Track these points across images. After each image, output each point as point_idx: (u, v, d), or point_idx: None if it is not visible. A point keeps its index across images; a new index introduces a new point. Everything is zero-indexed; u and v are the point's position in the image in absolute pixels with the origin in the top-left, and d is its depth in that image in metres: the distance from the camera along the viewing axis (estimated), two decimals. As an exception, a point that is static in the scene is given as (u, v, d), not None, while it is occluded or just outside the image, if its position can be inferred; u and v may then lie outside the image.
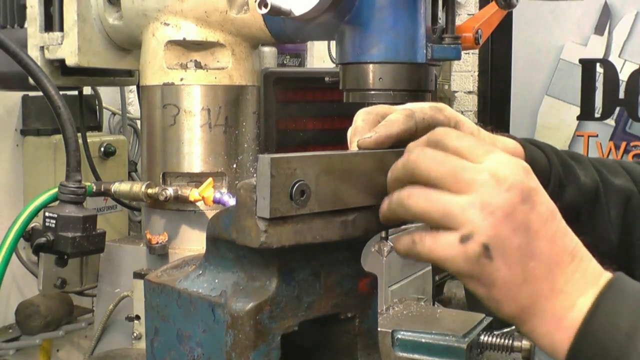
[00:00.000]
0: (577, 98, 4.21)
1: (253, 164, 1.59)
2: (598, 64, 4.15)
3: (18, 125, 2.33)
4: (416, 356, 1.34)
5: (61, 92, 1.39)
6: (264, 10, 1.25)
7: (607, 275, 0.75)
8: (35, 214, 1.46)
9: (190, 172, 1.55)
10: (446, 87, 4.45)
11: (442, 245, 0.73)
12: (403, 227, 0.87)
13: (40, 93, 1.38)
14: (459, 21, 1.53)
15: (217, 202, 1.49)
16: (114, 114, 2.67)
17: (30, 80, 1.39)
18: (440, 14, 1.47)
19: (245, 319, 0.75)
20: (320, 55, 3.13)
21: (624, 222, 1.07)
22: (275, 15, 1.30)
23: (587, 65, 4.17)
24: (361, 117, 0.89)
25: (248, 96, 1.59)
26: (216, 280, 0.82)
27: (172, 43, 1.53)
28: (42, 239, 1.37)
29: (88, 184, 1.49)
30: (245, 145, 1.59)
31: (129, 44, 1.66)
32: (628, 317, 0.71)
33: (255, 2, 1.25)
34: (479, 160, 0.74)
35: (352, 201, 0.79)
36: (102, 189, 1.56)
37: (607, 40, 4.13)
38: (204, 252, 0.85)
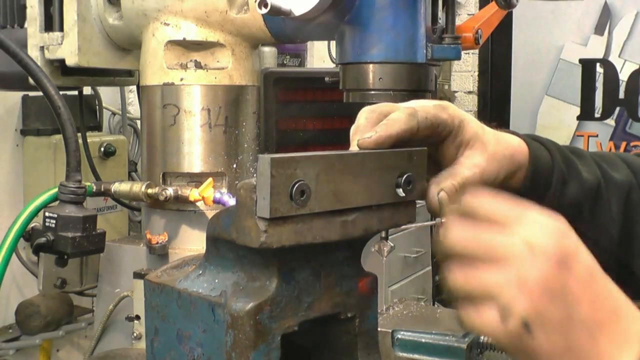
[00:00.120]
0: (577, 98, 4.22)
1: (253, 164, 1.58)
2: (598, 64, 4.15)
3: (18, 125, 2.33)
4: (416, 356, 1.34)
5: (61, 92, 1.38)
6: (264, 10, 1.25)
7: None
8: (35, 214, 1.46)
9: (190, 172, 1.55)
10: (446, 87, 4.45)
11: (485, 323, 0.72)
12: (403, 227, 0.87)
13: (40, 93, 1.38)
14: (459, 21, 1.53)
15: (217, 202, 1.49)
16: (114, 114, 2.67)
17: (30, 80, 1.39)
18: (440, 14, 1.47)
19: (245, 319, 0.75)
20: (320, 55, 3.13)
21: (624, 217, 1.07)
22: (275, 15, 1.30)
23: (587, 65, 4.17)
24: (364, 116, 0.88)
25: (248, 96, 1.59)
26: (216, 280, 0.82)
27: (172, 43, 1.53)
28: (42, 239, 1.37)
29: (88, 184, 1.49)
30: (245, 145, 1.59)
31: (129, 44, 1.66)
32: None
33: (255, 2, 1.25)
34: (512, 226, 0.72)
35: (352, 201, 0.79)
36: (102, 189, 1.56)
37: (607, 40, 4.13)
38: (204, 252, 0.85)
